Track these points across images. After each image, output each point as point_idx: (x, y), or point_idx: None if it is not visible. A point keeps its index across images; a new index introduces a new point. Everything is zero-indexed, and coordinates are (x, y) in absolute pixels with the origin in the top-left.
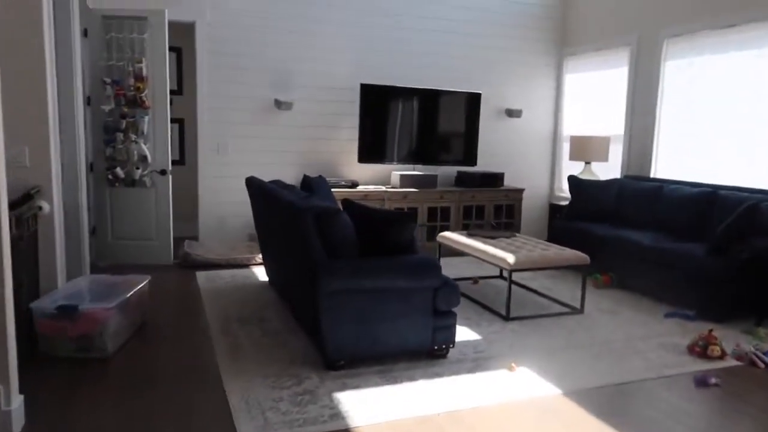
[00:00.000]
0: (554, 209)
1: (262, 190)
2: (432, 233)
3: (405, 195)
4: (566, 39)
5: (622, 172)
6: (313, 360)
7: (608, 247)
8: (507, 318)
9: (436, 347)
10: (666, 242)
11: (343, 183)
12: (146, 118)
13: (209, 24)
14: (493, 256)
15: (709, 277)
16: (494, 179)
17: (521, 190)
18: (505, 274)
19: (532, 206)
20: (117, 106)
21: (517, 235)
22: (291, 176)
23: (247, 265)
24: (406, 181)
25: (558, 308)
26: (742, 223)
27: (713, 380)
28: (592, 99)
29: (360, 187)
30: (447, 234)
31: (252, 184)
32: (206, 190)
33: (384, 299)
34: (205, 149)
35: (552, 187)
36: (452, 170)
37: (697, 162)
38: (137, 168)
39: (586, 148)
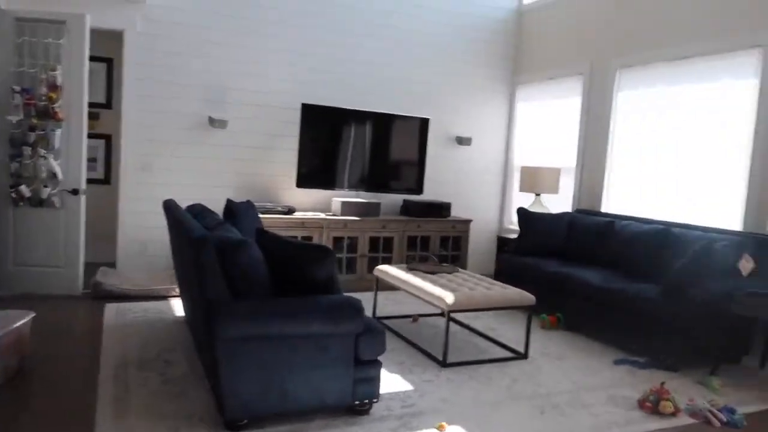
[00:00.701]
0: (503, 242)
1: (173, 214)
2: (374, 265)
3: (345, 224)
4: (519, 66)
5: (573, 206)
6: (214, 417)
7: (556, 285)
8: (444, 364)
9: (357, 402)
10: (616, 282)
11: (279, 209)
12: (58, 132)
13: (140, 34)
14: (431, 295)
15: (660, 322)
16: (440, 209)
17: (468, 222)
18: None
19: (481, 239)
20: (26, 117)
21: (461, 270)
22: (223, 199)
23: (165, 297)
24: (347, 208)
25: (500, 352)
26: (696, 266)
27: None
28: (544, 128)
29: (297, 214)
30: (384, 267)
31: (167, 207)
32: (128, 212)
33: (295, 347)
34: (128, 168)
35: (501, 219)
36: (398, 198)
37: (649, 197)
38: (45, 186)
39: (536, 180)
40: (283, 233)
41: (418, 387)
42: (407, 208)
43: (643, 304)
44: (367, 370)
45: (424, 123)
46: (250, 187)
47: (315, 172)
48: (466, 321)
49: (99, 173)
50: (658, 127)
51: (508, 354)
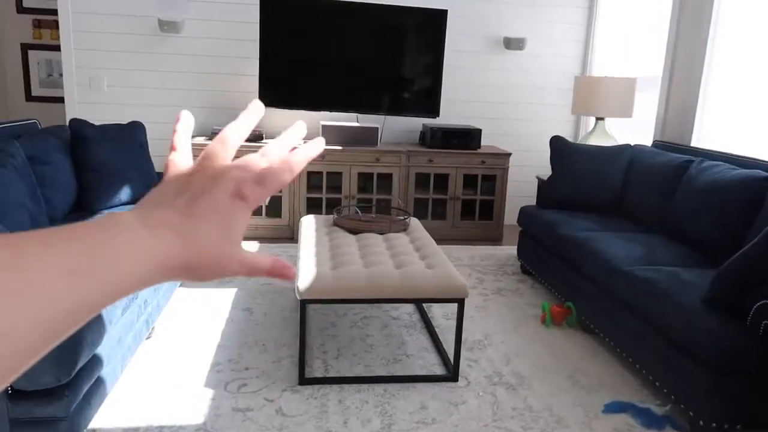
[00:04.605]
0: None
1: None
2: (368, 211)
3: (323, 154)
4: None
5: (654, 136)
6: None
7: (573, 260)
8: (301, 380)
9: None
10: (660, 265)
11: None
12: None
13: None
14: (299, 271)
15: (700, 348)
16: (466, 138)
17: (506, 156)
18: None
19: (532, 180)
20: None
21: (412, 228)
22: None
23: None
24: (331, 134)
25: (423, 363)
26: None
27: None
28: (630, 25)
29: (267, 141)
30: (307, 220)
31: None
32: None
33: None
34: (72, 83)
35: None
36: (410, 124)
37: (763, 127)
38: None
39: (595, 96)
40: None
41: (207, 424)
42: (425, 136)
43: (679, 313)
44: (41, 404)
45: (438, 17)
46: (219, 106)
47: (283, 87)
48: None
49: (59, 90)
50: None
51: (432, 371)
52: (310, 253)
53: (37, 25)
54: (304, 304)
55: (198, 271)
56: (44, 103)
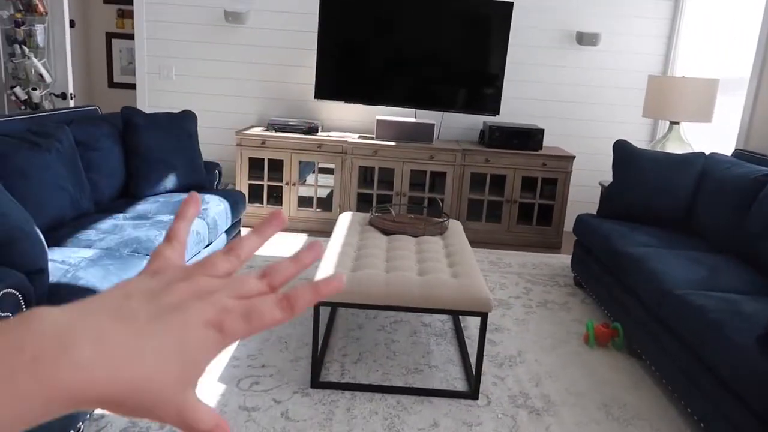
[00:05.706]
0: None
1: None
2: (419, 211)
3: (375, 150)
4: None
5: (737, 144)
6: None
7: (629, 277)
8: (313, 382)
9: None
10: (725, 290)
11: (299, 127)
12: (40, 28)
13: None
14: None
15: (748, 394)
16: (527, 138)
17: (569, 159)
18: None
19: (596, 185)
20: (16, 11)
21: (451, 232)
22: (253, 112)
23: None
24: (383, 129)
25: (443, 375)
26: None
27: None
28: (728, 22)
29: (321, 134)
30: (345, 216)
31: None
32: None
33: None
34: (143, 72)
35: None
36: (470, 122)
37: None
38: (34, 89)
39: (669, 98)
40: (295, 158)
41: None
42: (483, 135)
43: (732, 352)
44: None
45: (504, 8)
46: (281, 98)
47: (339, 79)
48: None
49: (130, 77)
50: None
51: (452, 385)
52: (335, 252)
53: (121, 14)
54: (317, 307)
55: (119, 408)
56: (124, 90)
